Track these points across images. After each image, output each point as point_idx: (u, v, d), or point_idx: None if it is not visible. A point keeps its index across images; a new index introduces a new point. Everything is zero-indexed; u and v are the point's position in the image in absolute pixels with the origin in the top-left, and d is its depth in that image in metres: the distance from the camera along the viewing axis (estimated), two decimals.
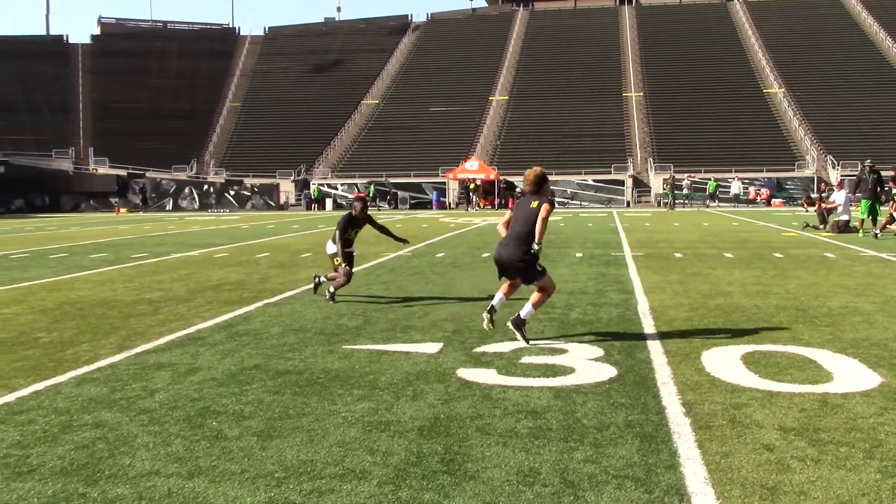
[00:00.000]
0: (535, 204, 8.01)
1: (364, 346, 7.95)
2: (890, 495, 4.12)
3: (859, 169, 27.92)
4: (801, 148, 62.28)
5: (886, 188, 27.33)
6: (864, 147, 55.47)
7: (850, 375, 6.59)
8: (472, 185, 58.33)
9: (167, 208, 63.74)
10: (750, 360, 7.17)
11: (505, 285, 8.36)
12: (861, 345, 7.75)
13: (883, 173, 26.03)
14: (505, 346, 7.88)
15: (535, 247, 7.84)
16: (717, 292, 10.76)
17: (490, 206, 58.52)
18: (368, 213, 9.54)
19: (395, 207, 60.77)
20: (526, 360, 7.27)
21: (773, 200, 55.60)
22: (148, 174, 66.35)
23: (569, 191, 59.70)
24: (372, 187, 60.33)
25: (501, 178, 59.79)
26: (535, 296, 8.20)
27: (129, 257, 18.76)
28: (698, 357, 7.36)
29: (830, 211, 24.74)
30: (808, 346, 7.73)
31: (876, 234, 21.90)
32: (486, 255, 17.53)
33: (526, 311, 8.12)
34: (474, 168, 58.84)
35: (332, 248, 11.17)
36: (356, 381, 6.60)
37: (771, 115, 67.66)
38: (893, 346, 7.71)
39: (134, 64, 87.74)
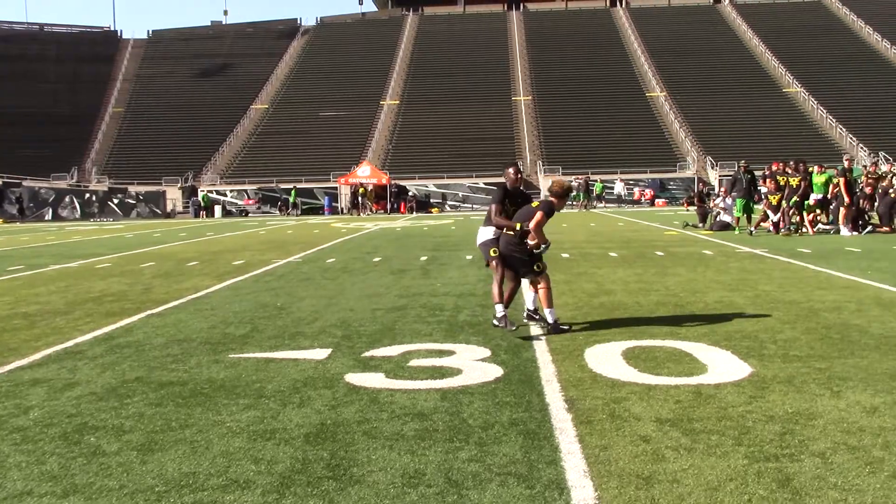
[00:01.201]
0: (535, 204, 8.58)
1: (251, 355, 7.85)
2: (755, 479, 4.33)
3: (735, 169, 29.13)
4: (682, 149, 64.56)
5: (759, 188, 28.58)
6: (740, 148, 58.05)
7: (722, 367, 6.88)
8: (361, 190, 58.21)
9: (46, 218, 61.29)
10: (630, 356, 7.36)
11: (507, 289, 8.61)
12: (733, 337, 8.10)
13: (756, 173, 27.21)
14: (393, 350, 7.91)
15: (530, 243, 8.41)
16: (602, 291, 11.11)
17: (383, 211, 58.51)
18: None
19: (288, 213, 60.06)
20: (414, 362, 7.31)
21: (656, 200, 57.35)
22: (25, 183, 63.63)
23: (460, 194, 60.18)
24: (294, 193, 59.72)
25: (393, 182, 59.85)
26: (540, 294, 8.56)
27: (5, 270, 17.98)
28: (581, 354, 7.53)
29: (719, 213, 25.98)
30: (685, 340, 8.03)
31: (751, 232, 23.01)
32: (377, 259, 17.53)
33: (549, 314, 8.59)
34: (366, 173, 58.77)
35: (487, 234, 8.61)
36: (242, 390, 6.51)
37: (653, 118, 69.89)
38: (763, 337, 8.10)
39: (8, 68, 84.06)
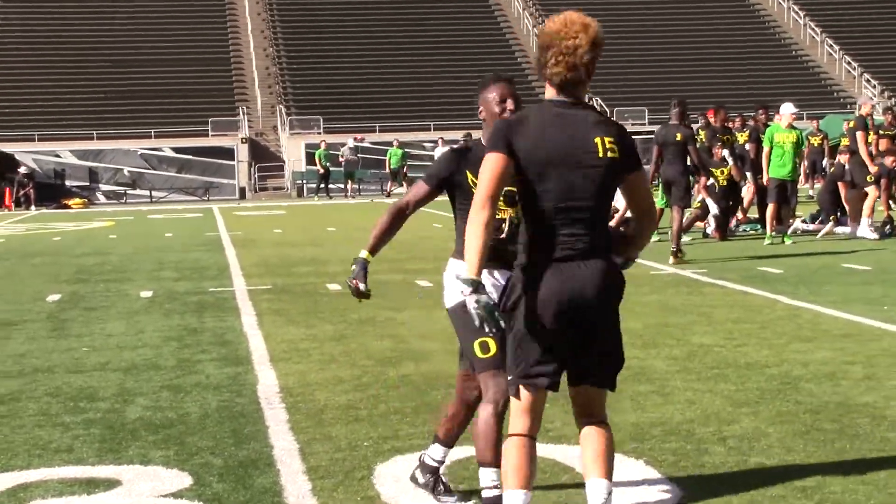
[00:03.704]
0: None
1: None
2: None
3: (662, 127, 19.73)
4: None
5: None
6: (660, 88, 34.36)
7: (632, 491, 3.41)
8: None
9: None
10: (459, 477, 4.15)
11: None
12: (649, 434, 4.59)
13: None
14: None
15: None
16: (406, 353, 6.83)
17: None
18: None
19: None
20: None
21: None
22: None
23: (126, 170, 32.99)
24: None
25: None
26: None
27: None
28: (369, 477, 4.17)
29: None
30: (562, 442, 4.45)
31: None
32: None
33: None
34: None
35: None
36: None
37: (502, 36, 41.16)
38: (701, 433, 4.58)
39: None
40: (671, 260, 11.13)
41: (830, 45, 39.27)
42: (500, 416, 3.49)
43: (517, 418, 3.17)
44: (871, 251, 12.00)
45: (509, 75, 3.82)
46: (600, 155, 3.04)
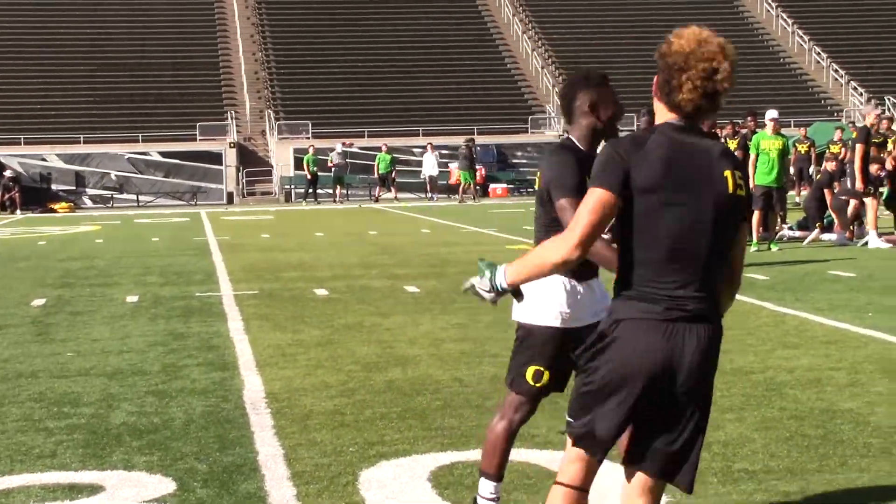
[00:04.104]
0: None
1: None
2: None
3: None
4: (540, 95, 37.24)
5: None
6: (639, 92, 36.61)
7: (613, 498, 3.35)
8: None
9: None
10: (446, 480, 4.14)
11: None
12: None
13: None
14: None
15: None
16: (392, 359, 6.83)
17: None
18: None
19: None
20: None
21: (491, 187, 32.54)
22: None
23: (113, 174, 32.59)
24: None
25: None
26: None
27: None
28: (354, 482, 4.12)
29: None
30: (548, 446, 4.44)
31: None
32: None
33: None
34: None
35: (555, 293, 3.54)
36: None
37: (490, 44, 40.16)
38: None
39: None
40: None
41: (818, 53, 39.34)
42: (514, 433, 3.46)
43: (569, 465, 2.71)
44: (852, 259, 11.97)
45: (602, 72, 3.47)
46: (730, 191, 2.57)
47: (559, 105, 3.56)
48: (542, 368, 3.33)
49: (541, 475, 4.11)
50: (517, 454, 4.41)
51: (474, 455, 4.40)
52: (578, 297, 3.33)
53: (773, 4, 41.89)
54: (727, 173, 2.58)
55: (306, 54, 38.64)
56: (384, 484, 4.08)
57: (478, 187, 30.36)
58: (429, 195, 31.01)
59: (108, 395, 5.81)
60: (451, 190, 31.65)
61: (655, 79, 2.65)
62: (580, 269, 3.12)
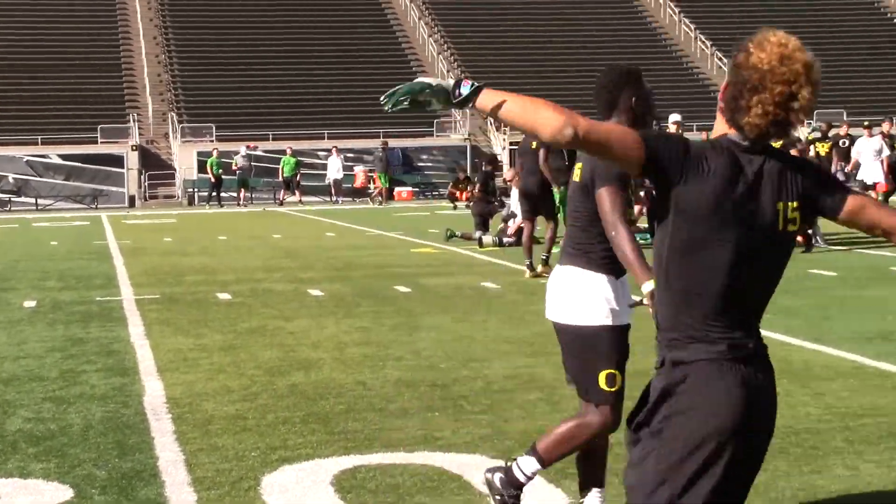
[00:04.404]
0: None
1: None
2: None
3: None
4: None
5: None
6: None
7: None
8: None
9: None
10: (349, 485, 4.13)
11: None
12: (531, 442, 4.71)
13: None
14: None
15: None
16: (295, 363, 6.76)
17: None
18: None
19: None
20: None
21: (396, 190, 31.67)
22: None
23: (11, 177, 31.68)
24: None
25: None
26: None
27: None
28: (256, 487, 4.11)
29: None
30: (452, 450, 4.53)
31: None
32: None
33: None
34: None
35: (596, 290, 3.76)
36: None
37: (390, 34, 40.94)
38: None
39: None
40: (528, 274, 10.76)
41: (720, 58, 40.55)
42: (595, 436, 3.37)
43: None
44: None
45: (634, 67, 3.46)
46: (780, 228, 2.26)
47: (596, 95, 3.41)
48: (612, 371, 3.31)
49: (444, 478, 4.19)
50: (420, 457, 4.52)
51: (377, 458, 4.46)
52: (620, 293, 3.40)
53: (676, 10, 42.76)
54: (780, 206, 2.25)
55: (210, 56, 38.01)
56: (286, 489, 4.10)
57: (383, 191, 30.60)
58: (334, 198, 30.93)
59: (3, 401, 5.64)
60: (356, 193, 31.72)
61: (723, 86, 2.29)
62: (619, 265, 3.27)
